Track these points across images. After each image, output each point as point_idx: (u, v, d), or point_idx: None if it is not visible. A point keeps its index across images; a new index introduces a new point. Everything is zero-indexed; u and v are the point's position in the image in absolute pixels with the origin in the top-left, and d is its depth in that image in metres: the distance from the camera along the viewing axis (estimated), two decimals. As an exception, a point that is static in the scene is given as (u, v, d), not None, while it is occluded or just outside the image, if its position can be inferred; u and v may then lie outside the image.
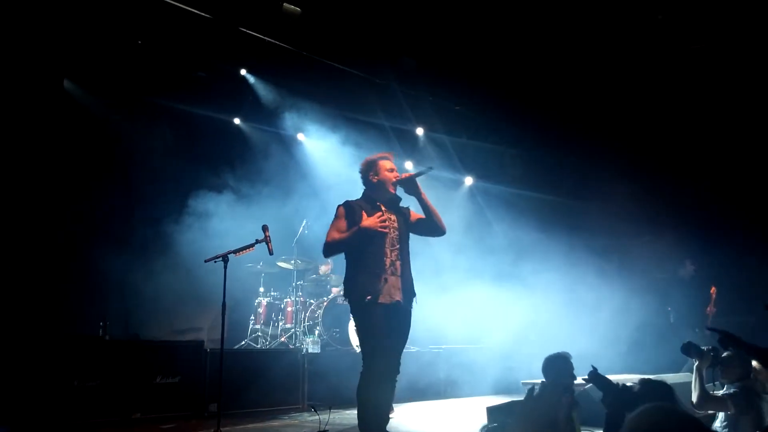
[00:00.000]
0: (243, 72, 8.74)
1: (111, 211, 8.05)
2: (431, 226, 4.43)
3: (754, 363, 4.70)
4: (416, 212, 4.51)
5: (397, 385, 4.36)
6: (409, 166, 10.78)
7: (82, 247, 7.56)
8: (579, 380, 4.43)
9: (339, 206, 4.38)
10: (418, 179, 4.37)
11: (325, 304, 8.14)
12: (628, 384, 3.23)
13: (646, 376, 3.69)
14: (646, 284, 9.37)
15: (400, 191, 4.44)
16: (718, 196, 9.42)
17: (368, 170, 4.46)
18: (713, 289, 8.51)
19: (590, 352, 6.98)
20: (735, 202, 9.23)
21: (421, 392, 7.71)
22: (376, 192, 4.40)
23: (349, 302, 4.24)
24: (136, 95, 8.07)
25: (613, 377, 5.98)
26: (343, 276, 4.33)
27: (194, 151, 8.63)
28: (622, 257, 10.25)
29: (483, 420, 5.27)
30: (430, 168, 4.45)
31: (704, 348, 4.34)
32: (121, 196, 8.19)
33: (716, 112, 8.73)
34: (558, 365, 4.21)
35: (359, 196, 4.49)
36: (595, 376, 3.09)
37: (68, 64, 7.53)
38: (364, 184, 4.49)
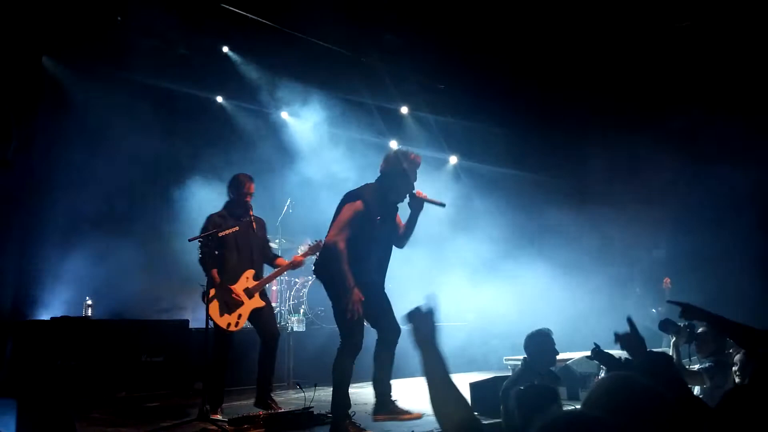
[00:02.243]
0: (225, 49, 8.63)
1: (95, 190, 7.96)
2: (401, 239, 4.49)
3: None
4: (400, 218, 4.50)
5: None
6: (393, 145, 10.77)
7: (65, 226, 7.50)
8: (560, 356, 4.54)
9: (358, 199, 4.20)
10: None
11: (310, 283, 8.16)
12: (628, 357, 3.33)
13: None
14: (622, 265, 9.55)
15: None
16: (694, 177, 9.55)
17: (402, 164, 4.29)
18: (666, 280, 8.66)
19: (567, 328, 7.13)
20: (706, 183, 9.35)
21: (401, 370, 7.76)
22: (394, 190, 4.30)
23: None
24: (116, 73, 7.93)
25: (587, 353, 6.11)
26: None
27: (177, 130, 8.54)
28: (601, 239, 10.39)
29: (466, 395, 5.37)
30: (443, 205, 4.38)
31: (681, 324, 4.43)
32: (104, 174, 8.09)
33: (701, 90, 8.76)
34: (539, 342, 4.29)
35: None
36: (597, 353, 3.17)
37: (47, 40, 7.38)
38: (386, 172, 4.33)
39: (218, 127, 9.03)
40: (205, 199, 8.02)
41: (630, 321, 2.47)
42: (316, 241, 5.58)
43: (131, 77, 7.90)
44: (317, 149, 9.22)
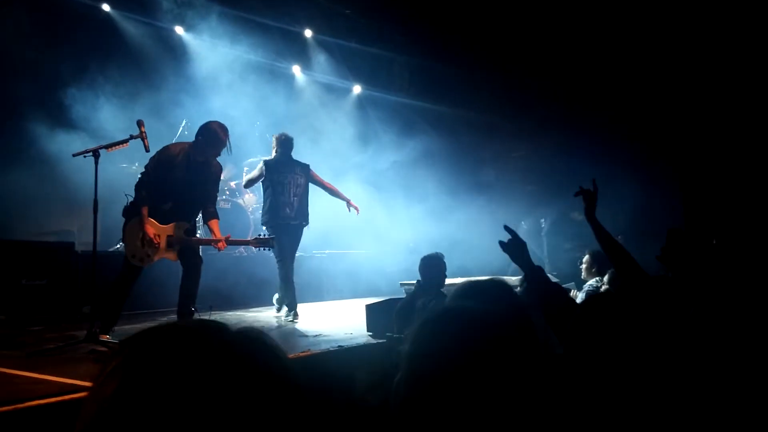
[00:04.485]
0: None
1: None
2: None
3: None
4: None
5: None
6: (296, 70, 10.49)
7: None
8: (449, 281, 4.80)
9: None
10: None
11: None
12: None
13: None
14: (517, 196, 10.05)
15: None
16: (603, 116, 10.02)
17: None
18: None
19: (462, 258, 7.50)
20: (615, 118, 9.84)
21: (305, 295, 7.90)
22: None
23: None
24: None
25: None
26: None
27: (57, 40, 7.80)
28: (497, 170, 10.85)
29: (363, 317, 5.58)
30: None
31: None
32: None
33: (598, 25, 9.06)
34: (431, 264, 4.51)
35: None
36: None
37: None
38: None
39: (105, 39, 8.33)
40: (91, 115, 7.50)
41: (507, 228, 2.55)
42: (261, 235, 5.50)
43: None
44: (213, 67, 8.79)
